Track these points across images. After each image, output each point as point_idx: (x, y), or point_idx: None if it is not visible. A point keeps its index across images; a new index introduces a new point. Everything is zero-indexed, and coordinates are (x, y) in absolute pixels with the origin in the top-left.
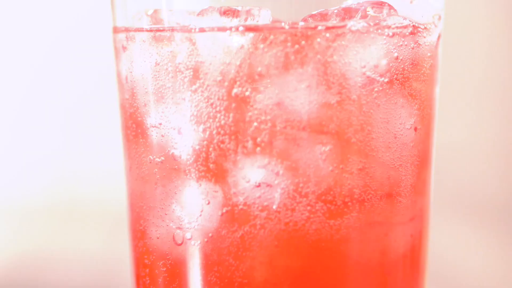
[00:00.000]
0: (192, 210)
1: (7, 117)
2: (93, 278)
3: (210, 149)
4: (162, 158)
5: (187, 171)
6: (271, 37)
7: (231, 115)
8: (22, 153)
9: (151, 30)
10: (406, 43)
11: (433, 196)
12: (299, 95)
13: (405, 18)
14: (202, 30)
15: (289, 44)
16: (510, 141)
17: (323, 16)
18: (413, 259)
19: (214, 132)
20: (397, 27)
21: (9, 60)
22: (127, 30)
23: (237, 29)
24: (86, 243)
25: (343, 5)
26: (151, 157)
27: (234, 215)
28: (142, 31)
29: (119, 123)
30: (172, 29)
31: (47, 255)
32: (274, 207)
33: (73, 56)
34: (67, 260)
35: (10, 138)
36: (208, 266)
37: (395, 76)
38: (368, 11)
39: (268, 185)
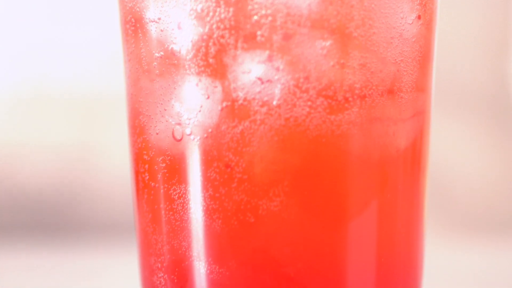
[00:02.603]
0: (192, 105)
1: None
2: (65, 168)
3: (210, 43)
4: (162, 53)
5: (186, 66)
6: None
7: (231, 9)
8: None
9: None
10: None
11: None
12: None
13: None
14: None
15: None
16: (501, 36)
17: None
18: (414, 155)
19: (214, 26)
20: None
21: None
22: None
23: None
24: (56, 132)
25: None
26: (150, 52)
27: (234, 110)
28: None
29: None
30: None
31: (15, 146)
32: (274, 102)
33: None
34: (36, 151)
35: None
36: (208, 161)
37: None
38: None
39: (268, 81)
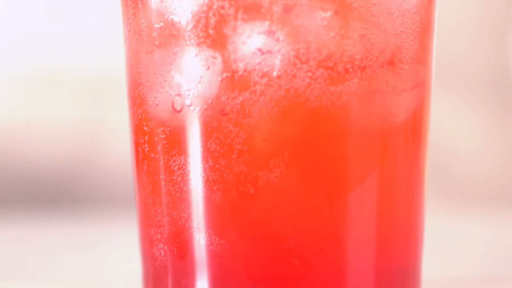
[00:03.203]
0: (192, 76)
1: None
2: (70, 148)
3: (210, 14)
4: (161, 24)
5: (186, 37)
6: None
7: None
8: None
9: None
10: None
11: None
12: None
13: None
14: None
15: None
16: (502, 15)
17: None
18: (414, 127)
19: None
20: None
21: None
22: None
23: None
24: (62, 112)
25: None
26: (150, 23)
27: (234, 81)
28: None
29: None
30: None
31: (22, 126)
32: (275, 73)
33: None
34: (43, 131)
35: None
36: (208, 132)
37: None
38: None
39: (268, 51)
